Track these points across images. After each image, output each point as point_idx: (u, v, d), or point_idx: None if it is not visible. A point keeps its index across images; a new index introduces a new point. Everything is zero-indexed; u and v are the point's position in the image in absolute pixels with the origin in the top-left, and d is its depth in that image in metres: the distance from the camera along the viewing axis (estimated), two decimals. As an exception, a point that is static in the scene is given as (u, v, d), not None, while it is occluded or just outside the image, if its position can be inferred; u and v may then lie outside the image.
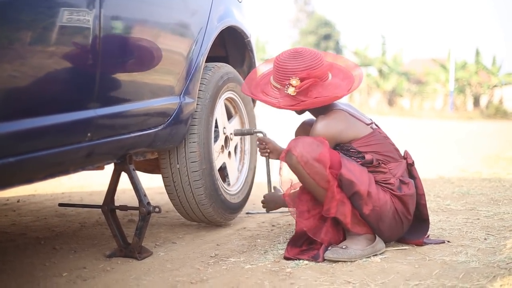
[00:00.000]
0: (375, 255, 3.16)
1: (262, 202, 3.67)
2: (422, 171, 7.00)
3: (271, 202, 3.63)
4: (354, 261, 3.09)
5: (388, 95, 29.19)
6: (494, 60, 27.59)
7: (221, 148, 3.89)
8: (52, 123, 2.45)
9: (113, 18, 2.77)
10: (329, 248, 3.17)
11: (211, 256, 3.22)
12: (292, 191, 3.37)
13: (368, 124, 3.28)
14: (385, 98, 29.15)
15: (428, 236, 3.39)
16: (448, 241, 3.34)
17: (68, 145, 2.58)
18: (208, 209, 3.65)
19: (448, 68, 26.44)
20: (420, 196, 3.32)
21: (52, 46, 2.42)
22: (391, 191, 3.18)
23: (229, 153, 4.02)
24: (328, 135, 3.19)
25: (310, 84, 3.21)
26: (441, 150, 10.17)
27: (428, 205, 4.38)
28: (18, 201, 4.92)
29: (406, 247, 3.27)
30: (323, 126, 3.21)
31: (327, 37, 48.67)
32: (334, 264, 3.00)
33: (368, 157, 3.21)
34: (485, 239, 3.40)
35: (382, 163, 3.22)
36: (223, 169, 3.97)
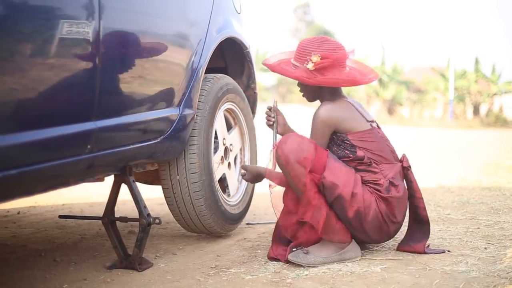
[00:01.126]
0: (346, 262, 3.21)
1: (242, 167, 3.63)
2: (422, 180, 7.00)
3: (250, 174, 3.58)
4: (313, 267, 3.15)
5: (388, 104, 29.19)
6: (494, 69, 27.60)
7: (221, 159, 3.89)
8: (52, 135, 2.46)
9: (112, 30, 2.77)
10: (293, 250, 3.24)
11: (211, 267, 3.22)
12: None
13: (368, 121, 3.33)
14: (385, 107, 29.16)
15: (428, 246, 3.39)
16: (449, 251, 3.34)
17: (68, 157, 2.59)
18: (208, 220, 3.65)
19: (448, 77, 26.43)
20: (418, 200, 3.36)
21: (52, 58, 2.42)
22: (377, 192, 3.21)
23: (229, 164, 4.02)
24: (328, 120, 3.28)
25: (329, 65, 3.29)
26: (441, 159, 10.17)
27: (428, 215, 4.39)
28: (18, 213, 4.92)
29: (402, 257, 3.27)
30: (326, 109, 3.30)
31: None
32: (334, 275, 3.00)
33: (359, 153, 3.26)
34: (486, 248, 3.40)
35: (373, 162, 3.26)
36: (223, 180, 3.97)
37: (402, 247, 3.37)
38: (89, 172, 2.85)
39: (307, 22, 56.67)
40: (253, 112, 4.46)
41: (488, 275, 2.88)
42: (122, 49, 2.90)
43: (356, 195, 3.16)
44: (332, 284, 2.87)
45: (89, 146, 2.67)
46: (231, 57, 4.42)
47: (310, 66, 3.30)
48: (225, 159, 3.96)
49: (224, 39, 3.94)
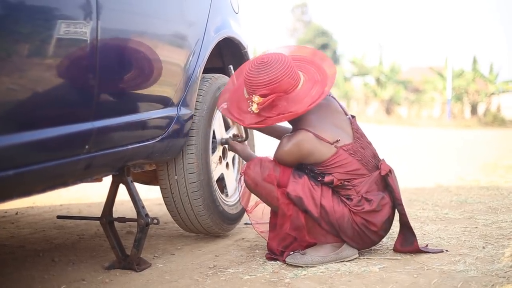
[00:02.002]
0: (345, 261, 3.22)
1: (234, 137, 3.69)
2: (420, 179, 7.04)
3: (243, 148, 3.67)
4: (311, 266, 3.16)
5: (386, 104, 29.18)
6: (492, 68, 27.60)
7: (219, 159, 3.89)
8: (50, 136, 2.46)
9: (110, 30, 2.77)
10: (290, 253, 3.26)
11: (209, 267, 3.22)
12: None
13: (332, 143, 3.19)
14: (383, 107, 29.14)
15: (427, 245, 3.39)
16: (447, 250, 3.34)
17: (66, 158, 2.59)
18: (207, 220, 3.65)
19: (446, 76, 26.44)
20: (398, 207, 3.28)
21: (50, 59, 2.42)
22: (348, 206, 3.19)
23: (227, 164, 4.02)
24: (289, 158, 3.23)
25: (274, 99, 3.13)
26: (439, 158, 10.17)
27: (426, 214, 4.42)
28: (16, 214, 4.92)
29: (400, 257, 3.27)
30: (286, 149, 3.21)
31: (324, 46, 48.68)
32: (333, 274, 3.00)
33: (327, 178, 3.21)
34: (484, 247, 3.40)
35: (345, 181, 3.21)
36: (221, 180, 3.97)
37: (397, 248, 3.37)
38: (87, 173, 2.85)
39: (305, 21, 56.77)
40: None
41: (486, 275, 2.88)
42: (120, 50, 2.90)
43: (325, 207, 3.18)
44: (330, 283, 2.87)
45: (87, 147, 2.66)
46: (229, 57, 4.42)
47: (254, 108, 3.16)
48: (223, 159, 3.96)
49: (222, 39, 3.94)
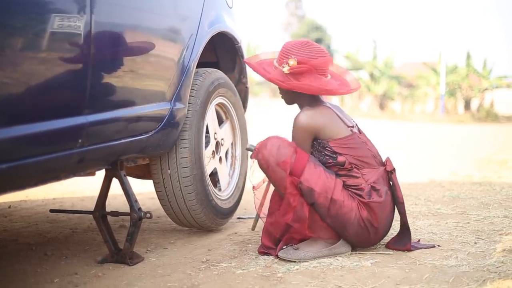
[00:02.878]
0: (337, 256, 3.24)
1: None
2: (413, 174, 7.05)
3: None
4: (303, 261, 3.18)
5: (380, 99, 29.16)
6: (485, 63, 27.62)
7: (212, 153, 3.90)
8: (43, 129, 2.46)
9: (104, 24, 2.77)
10: (283, 247, 3.27)
11: (202, 261, 3.23)
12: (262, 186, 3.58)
13: (349, 127, 3.31)
14: (377, 102, 29.13)
15: (419, 241, 3.40)
16: (438, 245, 3.35)
17: (59, 152, 2.59)
18: (199, 215, 3.66)
19: (439, 72, 26.45)
20: (399, 205, 3.30)
21: (43, 52, 2.42)
22: (359, 197, 3.21)
23: (220, 158, 4.02)
24: (308, 126, 3.26)
25: (305, 70, 3.28)
26: (432, 154, 10.19)
27: (418, 209, 4.43)
28: (9, 207, 4.91)
29: (392, 252, 3.28)
30: (306, 116, 3.28)
31: (318, 41, 48.63)
32: (325, 269, 3.01)
33: (340, 158, 3.24)
34: (475, 243, 3.41)
35: (355, 167, 3.25)
36: (214, 175, 3.97)
37: (389, 246, 3.38)
38: (80, 167, 2.85)
39: (299, 16, 56.75)
40: (245, 106, 4.46)
41: (478, 270, 2.89)
42: (114, 44, 2.90)
43: (335, 201, 3.18)
44: (322, 278, 2.88)
45: (80, 140, 2.66)
46: (222, 52, 4.42)
47: (286, 69, 3.30)
48: (216, 153, 3.96)
49: (216, 34, 3.94)
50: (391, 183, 3.32)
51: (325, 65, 3.34)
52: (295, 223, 3.23)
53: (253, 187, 3.58)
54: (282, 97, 3.49)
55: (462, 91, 26.88)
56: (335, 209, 3.17)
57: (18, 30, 2.31)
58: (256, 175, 3.55)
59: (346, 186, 3.24)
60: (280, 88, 3.43)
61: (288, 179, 3.19)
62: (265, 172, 3.31)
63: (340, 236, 3.25)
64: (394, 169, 3.34)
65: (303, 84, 3.27)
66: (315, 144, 3.30)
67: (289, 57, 3.30)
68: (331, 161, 3.25)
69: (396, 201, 3.30)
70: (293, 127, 3.29)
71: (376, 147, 3.42)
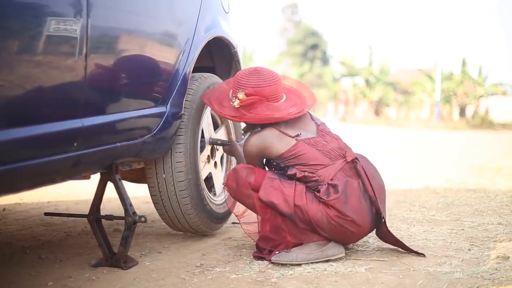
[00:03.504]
0: (328, 260, 3.25)
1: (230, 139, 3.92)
2: (408, 181, 7.05)
3: (231, 147, 3.86)
4: (297, 264, 3.20)
5: (375, 105, 29.24)
6: (480, 71, 27.69)
7: (207, 158, 3.90)
8: (38, 133, 2.46)
9: (100, 28, 2.77)
10: (276, 252, 3.28)
11: (196, 266, 3.23)
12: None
13: (293, 137, 3.34)
14: (372, 108, 29.20)
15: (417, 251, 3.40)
16: (424, 255, 3.32)
17: (55, 155, 2.59)
18: (194, 219, 3.66)
19: (435, 78, 26.51)
20: (369, 194, 3.28)
21: (39, 56, 2.42)
22: (319, 198, 3.22)
23: (215, 163, 4.03)
24: (252, 150, 3.39)
25: (255, 101, 3.37)
26: (427, 160, 10.20)
27: (413, 216, 4.45)
28: (3, 210, 4.91)
29: (386, 258, 3.28)
30: (250, 142, 3.39)
31: (314, 46, 48.73)
32: (319, 275, 3.01)
33: (291, 171, 3.30)
34: (469, 249, 3.42)
35: (309, 173, 3.28)
36: (209, 179, 3.97)
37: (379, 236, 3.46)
38: (76, 170, 2.85)
39: (295, 22, 56.77)
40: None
41: (472, 277, 2.90)
42: (110, 48, 2.90)
43: (299, 207, 3.22)
44: (316, 283, 2.88)
45: (75, 144, 2.66)
46: (218, 57, 4.42)
47: (236, 103, 3.39)
48: (212, 158, 3.96)
49: (212, 39, 3.94)
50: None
51: (275, 91, 3.41)
52: (273, 235, 3.28)
53: (237, 216, 3.60)
54: (246, 126, 3.60)
55: (458, 98, 26.93)
56: (302, 214, 3.21)
57: (14, 33, 2.31)
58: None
59: (309, 190, 3.28)
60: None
61: (255, 195, 3.30)
62: (237, 200, 3.46)
63: (321, 237, 3.26)
64: (355, 159, 3.34)
65: (254, 116, 3.38)
66: (269, 161, 3.43)
67: (238, 90, 3.40)
68: (285, 174, 3.32)
69: (365, 189, 3.29)
70: (245, 145, 3.41)
71: (340, 141, 3.42)
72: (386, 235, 3.38)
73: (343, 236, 3.26)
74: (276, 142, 3.32)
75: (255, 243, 3.41)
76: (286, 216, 3.23)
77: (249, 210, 3.52)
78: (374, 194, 3.29)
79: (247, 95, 3.35)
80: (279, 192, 3.24)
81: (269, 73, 3.43)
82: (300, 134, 3.36)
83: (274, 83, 3.40)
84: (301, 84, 3.67)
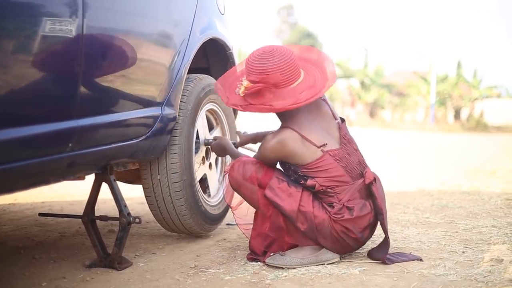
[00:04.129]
0: (325, 264, 3.23)
1: (214, 138, 3.85)
2: (402, 183, 7.06)
3: (217, 145, 3.80)
4: (290, 268, 3.18)
5: (370, 107, 29.21)
6: (475, 73, 27.70)
7: (202, 159, 3.90)
8: (33, 133, 2.46)
9: (96, 28, 2.77)
10: (271, 254, 3.28)
11: (191, 267, 3.23)
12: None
13: (319, 147, 3.18)
14: (367, 110, 29.18)
15: (410, 253, 3.38)
16: (421, 260, 3.30)
17: (49, 155, 2.59)
18: (189, 220, 3.66)
19: (430, 81, 26.52)
20: (380, 217, 3.26)
21: (35, 56, 2.42)
22: (329, 213, 3.19)
23: (210, 164, 4.03)
24: (271, 155, 3.23)
25: (260, 89, 3.14)
26: (421, 163, 10.21)
27: (407, 218, 4.44)
28: (-3, 210, 4.90)
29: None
30: (270, 147, 3.20)
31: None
32: (313, 276, 3.01)
33: (310, 182, 3.19)
34: (463, 252, 3.42)
35: (328, 188, 3.19)
36: (204, 180, 3.97)
37: (369, 255, 3.37)
38: (70, 170, 2.85)
39: (291, 23, 56.84)
40: (235, 113, 4.46)
41: (466, 279, 2.91)
42: (105, 48, 2.90)
43: (305, 213, 3.18)
44: (310, 285, 2.89)
45: (70, 145, 2.66)
46: (214, 58, 4.42)
47: (241, 91, 3.20)
48: (207, 159, 3.96)
49: (208, 40, 3.94)
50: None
51: (284, 76, 3.14)
52: (272, 232, 3.26)
53: (231, 208, 3.58)
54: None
55: (452, 101, 26.93)
56: (305, 220, 3.18)
57: (9, 32, 2.31)
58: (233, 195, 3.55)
59: (319, 198, 3.23)
60: None
61: (260, 191, 3.25)
62: (237, 192, 3.38)
63: (319, 245, 3.25)
64: (374, 180, 3.25)
65: (259, 107, 3.17)
66: (286, 165, 3.27)
67: (246, 75, 3.20)
68: (302, 182, 3.23)
69: (377, 212, 3.26)
70: (263, 148, 3.23)
71: (359, 154, 3.33)
72: (380, 259, 3.29)
73: (341, 247, 3.25)
74: (299, 150, 3.16)
75: (248, 243, 3.40)
76: (288, 218, 3.22)
77: (242, 204, 3.50)
78: (383, 217, 3.26)
79: (252, 82, 3.14)
80: (285, 194, 3.19)
81: (280, 54, 3.15)
82: (326, 144, 3.19)
83: (284, 66, 3.13)
84: (326, 58, 3.35)
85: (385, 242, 3.30)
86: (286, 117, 3.25)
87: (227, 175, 3.38)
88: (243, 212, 3.55)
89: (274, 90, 3.14)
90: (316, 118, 3.27)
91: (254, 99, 3.17)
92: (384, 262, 3.23)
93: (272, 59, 3.14)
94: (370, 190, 3.25)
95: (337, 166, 3.19)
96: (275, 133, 3.22)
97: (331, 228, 3.17)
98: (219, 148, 3.78)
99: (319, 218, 3.17)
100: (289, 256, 3.22)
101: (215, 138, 3.86)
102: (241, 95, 3.20)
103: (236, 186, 3.34)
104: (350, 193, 3.21)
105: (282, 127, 3.24)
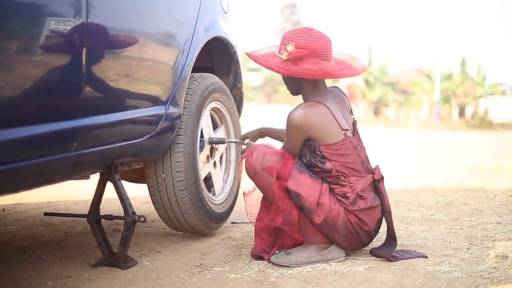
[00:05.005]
0: (330, 261, 3.23)
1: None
2: (407, 180, 7.06)
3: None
4: (295, 266, 3.17)
5: (374, 105, 29.20)
6: (479, 70, 27.67)
7: (207, 158, 3.90)
8: (38, 132, 2.46)
9: (99, 28, 2.78)
10: (276, 252, 3.29)
11: (196, 266, 3.23)
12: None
13: (343, 130, 3.24)
14: (371, 108, 29.16)
15: (415, 250, 3.38)
16: (426, 257, 3.31)
17: (54, 155, 2.59)
18: (193, 219, 3.66)
19: (434, 78, 26.50)
20: (387, 214, 3.29)
21: (39, 56, 2.43)
22: (344, 205, 3.20)
23: (215, 163, 4.03)
24: (301, 126, 3.21)
25: (304, 55, 3.21)
26: (426, 160, 10.21)
27: (412, 215, 4.44)
28: (3, 210, 4.91)
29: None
30: (299, 114, 3.21)
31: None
32: (318, 274, 3.01)
33: (328, 165, 3.22)
34: (468, 249, 3.42)
35: (342, 175, 3.23)
36: (208, 179, 3.97)
37: (373, 252, 3.36)
38: (75, 170, 2.86)
39: (294, 22, 56.69)
40: (239, 111, 4.47)
41: (471, 276, 2.90)
42: (109, 47, 2.90)
43: (322, 205, 3.18)
44: (315, 283, 2.89)
45: (75, 144, 2.67)
46: (217, 57, 4.43)
47: (285, 55, 3.24)
48: (211, 158, 3.96)
49: (211, 39, 3.94)
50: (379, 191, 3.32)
51: (325, 48, 3.26)
52: (285, 226, 3.24)
53: (244, 194, 3.58)
54: (287, 88, 3.45)
55: (457, 98, 26.90)
56: (322, 213, 3.18)
57: (13, 33, 2.31)
58: (246, 182, 3.54)
59: (332, 192, 3.25)
60: (284, 79, 3.41)
61: (276, 183, 3.22)
62: (253, 179, 3.32)
63: (330, 240, 3.25)
64: (382, 178, 3.33)
65: (302, 69, 3.21)
66: (307, 143, 3.27)
67: (289, 42, 3.24)
68: (319, 165, 3.24)
69: (384, 209, 3.29)
70: (287, 123, 3.25)
71: (366, 152, 3.40)
72: (386, 256, 3.29)
73: (353, 242, 3.27)
74: (327, 126, 3.21)
75: (255, 236, 3.40)
76: (304, 211, 3.19)
77: (255, 192, 3.51)
78: (391, 215, 3.29)
79: (296, 47, 3.21)
80: (306, 185, 3.18)
81: (319, 32, 3.29)
82: (349, 129, 3.29)
83: (325, 39, 3.26)
84: (352, 57, 3.50)
85: (391, 240, 3.31)
86: (316, 95, 3.31)
87: (243, 160, 3.36)
88: (254, 200, 3.54)
89: (316, 59, 3.22)
90: (339, 107, 3.35)
91: (296, 65, 3.24)
92: (389, 260, 3.23)
93: (315, 33, 3.28)
94: (376, 187, 3.30)
95: (354, 153, 3.26)
96: (306, 103, 3.29)
97: (346, 221, 3.19)
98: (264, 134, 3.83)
99: (335, 211, 3.18)
100: (294, 254, 3.22)
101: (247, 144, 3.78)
102: (284, 58, 3.24)
103: (252, 174, 3.29)
104: (363, 184, 3.25)
105: (313, 101, 3.29)
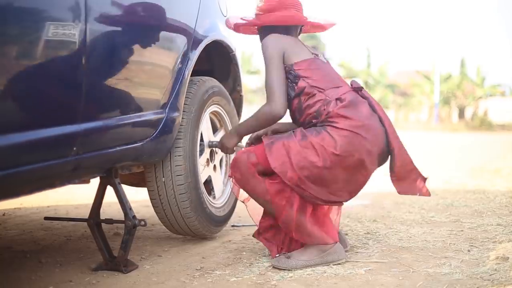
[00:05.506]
0: (331, 264, 3.22)
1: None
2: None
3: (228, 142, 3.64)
4: (295, 270, 3.16)
5: (374, 107, 29.20)
6: (479, 72, 27.71)
7: (207, 161, 3.90)
8: (38, 137, 2.46)
9: (99, 32, 2.78)
10: (276, 255, 3.30)
11: (196, 269, 3.23)
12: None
13: (313, 53, 3.41)
14: (371, 110, 29.17)
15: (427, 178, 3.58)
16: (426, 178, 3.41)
17: (54, 159, 2.59)
18: (194, 222, 3.66)
19: (433, 80, 26.52)
20: (382, 118, 3.24)
21: (38, 60, 2.43)
22: (326, 115, 3.16)
23: (214, 166, 4.03)
24: (276, 46, 3.31)
25: (274, 6, 3.43)
26: (426, 162, 10.21)
27: (412, 217, 4.45)
28: (3, 215, 4.91)
29: (386, 260, 3.28)
30: (271, 37, 3.36)
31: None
32: (319, 277, 3.02)
33: (301, 84, 3.25)
34: (469, 250, 3.43)
35: (317, 89, 3.23)
36: (208, 182, 3.97)
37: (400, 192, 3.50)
38: (75, 174, 2.86)
39: (293, 24, 56.55)
40: (239, 114, 4.47)
41: (471, 277, 2.91)
42: (109, 52, 2.90)
43: (311, 143, 3.11)
44: (316, 286, 2.89)
45: (75, 148, 2.67)
46: (217, 60, 4.43)
47: (256, 11, 3.49)
48: (211, 161, 3.96)
49: (210, 42, 3.94)
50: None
51: (295, 2, 3.45)
52: (284, 224, 3.22)
53: (243, 201, 3.56)
54: (260, 41, 3.51)
55: (456, 100, 26.96)
56: (315, 150, 3.10)
57: (13, 38, 2.31)
58: (240, 192, 3.52)
59: (311, 124, 3.23)
60: (260, 38, 3.53)
61: (267, 181, 3.20)
62: (247, 191, 3.33)
63: (340, 194, 3.21)
64: (361, 87, 3.36)
65: (270, 15, 3.43)
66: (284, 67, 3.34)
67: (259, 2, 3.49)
68: (292, 92, 3.27)
69: (373, 108, 3.25)
70: (263, 53, 3.34)
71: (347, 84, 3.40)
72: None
73: (357, 147, 3.12)
74: (297, 46, 3.37)
75: (260, 237, 3.42)
76: (302, 175, 3.12)
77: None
78: (384, 115, 3.27)
79: (266, 1, 3.45)
80: (284, 149, 3.14)
81: None
82: (318, 54, 3.44)
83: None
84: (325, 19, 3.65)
85: (414, 173, 3.71)
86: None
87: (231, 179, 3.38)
88: (254, 204, 3.51)
89: (288, 10, 3.44)
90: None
91: (268, 17, 3.46)
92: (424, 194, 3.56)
93: None
94: (362, 96, 3.31)
95: (326, 68, 3.38)
96: (273, 33, 3.41)
97: (338, 135, 3.09)
98: (226, 141, 3.66)
99: (321, 137, 3.11)
100: (294, 258, 3.22)
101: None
102: (257, 13, 3.51)
103: (243, 186, 3.30)
104: (340, 92, 3.24)
105: None
